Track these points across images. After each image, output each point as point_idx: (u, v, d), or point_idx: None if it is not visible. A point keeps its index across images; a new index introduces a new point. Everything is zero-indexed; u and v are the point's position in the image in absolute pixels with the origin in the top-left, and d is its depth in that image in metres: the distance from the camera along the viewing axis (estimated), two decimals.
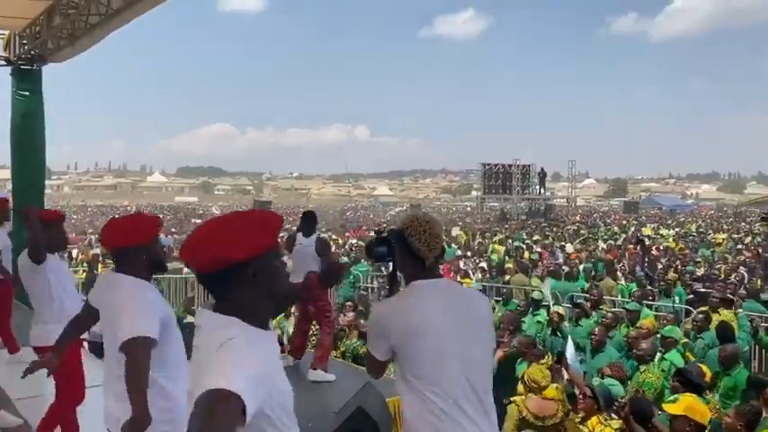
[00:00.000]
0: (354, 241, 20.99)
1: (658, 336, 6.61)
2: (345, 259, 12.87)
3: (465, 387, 2.21)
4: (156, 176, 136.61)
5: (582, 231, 26.11)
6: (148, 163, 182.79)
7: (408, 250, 2.33)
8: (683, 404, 3.84)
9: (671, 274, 11.47)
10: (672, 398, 4.17)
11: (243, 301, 1.61)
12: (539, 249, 17.75)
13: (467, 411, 2.19)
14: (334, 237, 23.00)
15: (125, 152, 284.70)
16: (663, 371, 5.87)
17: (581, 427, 4.42)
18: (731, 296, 8.84)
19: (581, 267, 12.50)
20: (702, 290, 9.88)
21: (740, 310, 8.42)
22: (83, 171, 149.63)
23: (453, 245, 19.98)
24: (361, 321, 7.34)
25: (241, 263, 1.58)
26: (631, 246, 19.68)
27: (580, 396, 4.53)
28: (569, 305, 9.52)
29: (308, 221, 5.73)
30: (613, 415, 4.29)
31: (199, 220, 40.62)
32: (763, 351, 7.66)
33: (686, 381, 4.64)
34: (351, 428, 3.83)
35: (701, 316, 7.48)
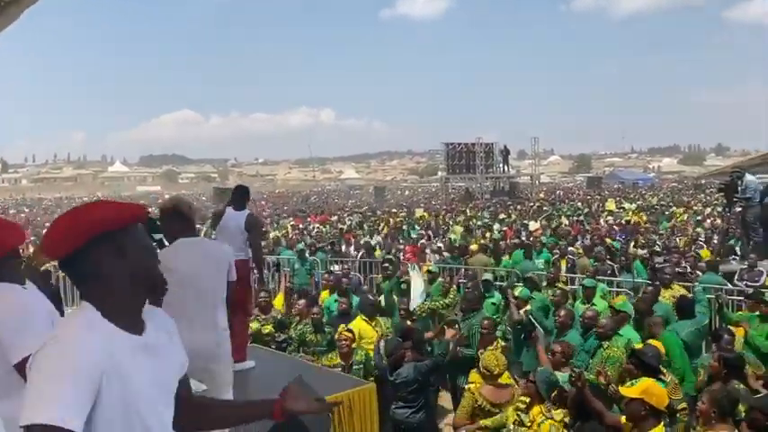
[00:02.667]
0: (317, 226, 20.58)
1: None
2: (301, 246, 12.42)
3: None
4: (118, 166, 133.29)
5: (545, 208, 26.10)
6: (109, 153, 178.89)
7: None
8: (641, 387, 3.73)
9: (631, 249, 11.34)
10: (630, 381, 4.04)
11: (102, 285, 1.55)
12: (504, 228, 17.63)
13: None
14: (292, 222, 22.57)
15: (85, 143, 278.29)
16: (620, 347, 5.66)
17: (522, 415, 4.18)
18: (684, 270, 8.72)
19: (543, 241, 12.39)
20: (662, 264, 9.75)
21: (697, 283, 8.27)
22: (41, 163, 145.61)
23: (416, 226, 19.77)
24: (314, 309, 7.01)
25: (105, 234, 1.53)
26: (593, 221, 19.73)
27: (525, 382, 4.29)
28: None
29: (239, 196, 5.53)
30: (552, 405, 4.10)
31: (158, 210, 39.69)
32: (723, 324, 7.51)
33: (641, 362, 4.42)
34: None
35: (650, 289, 7.32)
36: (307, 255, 11.69)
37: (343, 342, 5.81)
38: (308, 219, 24.72)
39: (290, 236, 16.55)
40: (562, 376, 4.55)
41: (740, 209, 11.28)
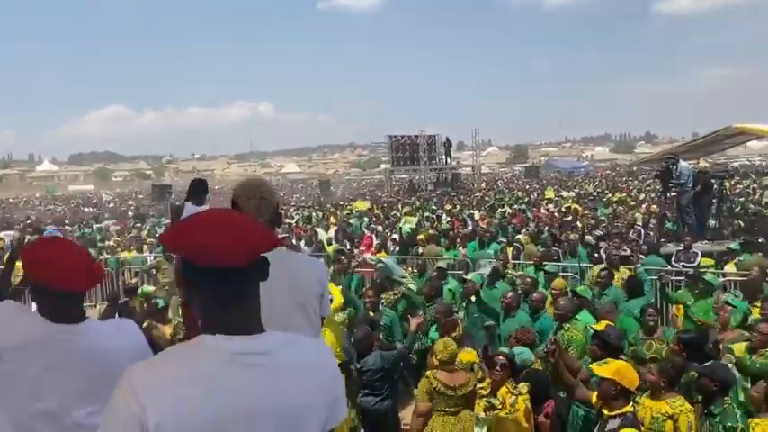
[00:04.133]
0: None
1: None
2: None
3: None
4: (47, 165, 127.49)
5: (487, 198, 26.66)
6: (37, 151, 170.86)
7: None
8: (612, 368, 3.85)
9: (573, 236, 11.78)
10: (603, 360, 4.19)
11: None
12: (448, 218, 17.96)
13: None
14: None
15: (9, 142, 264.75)
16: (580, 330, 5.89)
17: (492, 400, 4.32)
18: (628, 252, 9.14)
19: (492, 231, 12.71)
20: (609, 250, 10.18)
21: (639, 265, 8.68)
22: None
23: (365, 218, 19.87)
24: None
25: None
26: (535, 209, 20.34)
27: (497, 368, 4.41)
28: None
29: (197, 189, 5.49)
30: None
31: (93, 209, 38.46)
32: (666, 304, 7.94)
33: (605, 344, 4.64)
34: None
35: (604, 272, 7.64)
36: None
37: None
38: None
39: None
40: (527, 356, 4.73)
41: (675, 194, 11.89)
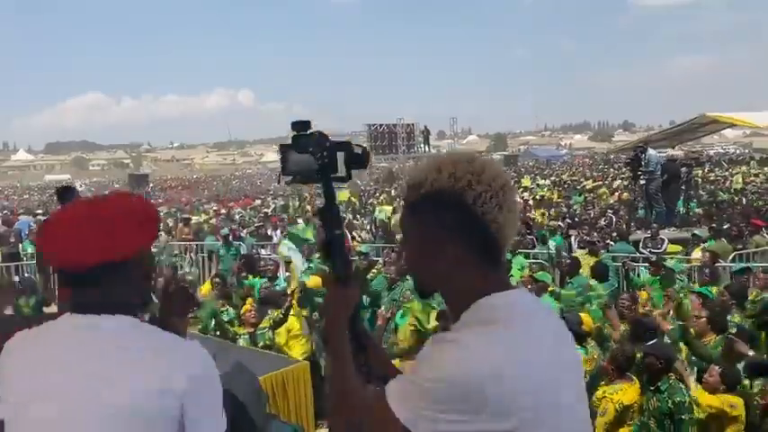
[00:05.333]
0: (240, 211, 20.28)
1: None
2: (226, 231, 12.20)
3: None
4: (22, 154, 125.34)
5: None
6: (12, 140, 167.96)
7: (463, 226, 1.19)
8: None
9: (546, 222, 11.92)
10: None
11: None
12: None
13: None
14: (215, 208, 22.15)
15: None
16: None
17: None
18: (595, 240, 9.28)
19: None
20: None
21: (603, 251, 8.79)
22: None
23: (340, 207, 19.87)
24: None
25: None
26: None
27: None
28: None
29: (65, 198, 5.13)
30: None
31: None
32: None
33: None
34: None
35: (569, 261, 7.77)
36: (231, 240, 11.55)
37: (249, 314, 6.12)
38: (231, 204, 24.31)
39: (214, 222, 16.27)
40: None
41: (644, 181, 12.07)
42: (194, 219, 17.28)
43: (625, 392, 4.05)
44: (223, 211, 20.42)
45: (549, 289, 6.65)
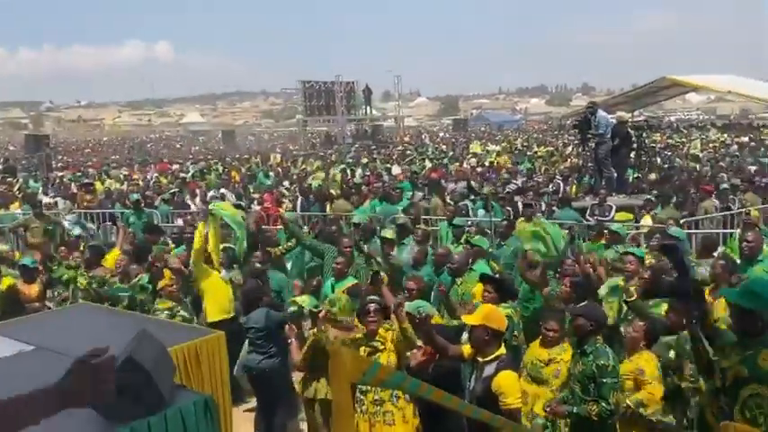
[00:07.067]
0: (155, 175, 19.95)
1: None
2: (136, 196, 12.02)
3: None
4: None
5: (408, 152, 27.07)
6: None
7: None
8: (481, 314, 4.23)
9: (486, 189, 12.28)
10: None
11: None
12: (366, 173, 18.23)
13: None
14: (125, 173, 21.70)
15: None
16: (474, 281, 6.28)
17: (372, 343, 4.58)
18: (530, 203, 9.70)
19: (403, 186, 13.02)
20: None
21: (538, 215, 9.12)
22: None
23: (270, 173, 19.83)
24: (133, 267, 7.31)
25: None
26: (457, 164, 20.92)
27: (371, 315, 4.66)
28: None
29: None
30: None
31: None
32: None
33: (499, 288, 5.08)
34: (117, 382, 3.67)
35: (504, 224, 8.17)
36: (143, 207, 11.42)
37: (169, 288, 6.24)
38: (147, 168, 23.86)
39: (124, 188, 16.01)
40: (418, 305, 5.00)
41: (593, 145, 12.50)
42: (102, 185, 16.94)
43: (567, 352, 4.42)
44: (135, 176, 20.03)
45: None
